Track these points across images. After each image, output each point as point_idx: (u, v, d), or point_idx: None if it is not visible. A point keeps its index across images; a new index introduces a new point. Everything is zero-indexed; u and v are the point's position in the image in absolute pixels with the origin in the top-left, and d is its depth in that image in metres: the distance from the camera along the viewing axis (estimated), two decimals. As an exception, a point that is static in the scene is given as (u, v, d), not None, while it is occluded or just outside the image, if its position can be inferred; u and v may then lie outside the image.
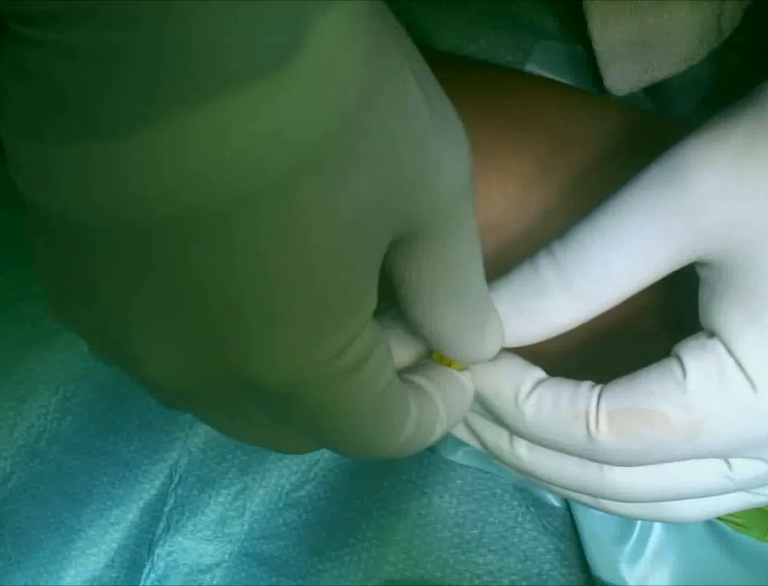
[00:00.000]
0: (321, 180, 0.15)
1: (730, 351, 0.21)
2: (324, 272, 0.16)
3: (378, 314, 0.19)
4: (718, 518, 0.33)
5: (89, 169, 0.14)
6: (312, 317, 0.17)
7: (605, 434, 0.22)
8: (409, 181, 0.17)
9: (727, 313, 0.21)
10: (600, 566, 0.34)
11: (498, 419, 0.25)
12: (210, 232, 0.15)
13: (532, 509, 0.36)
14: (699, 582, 0.33)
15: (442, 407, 0.23)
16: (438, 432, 0.23)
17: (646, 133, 0.30)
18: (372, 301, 0.18)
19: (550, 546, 0.36)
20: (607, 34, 0.28)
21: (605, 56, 0.29)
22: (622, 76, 0.29)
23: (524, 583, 0.36)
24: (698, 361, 0.21)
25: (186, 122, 0.14)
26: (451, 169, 0.19)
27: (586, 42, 0.30)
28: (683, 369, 0.21)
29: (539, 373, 0.24)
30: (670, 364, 0.22)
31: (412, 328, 0.22)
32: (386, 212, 0.17)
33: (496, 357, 0.24)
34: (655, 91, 0.32)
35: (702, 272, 0.22)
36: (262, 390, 0.18)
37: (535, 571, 0.36)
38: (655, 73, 0.29)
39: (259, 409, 0.20)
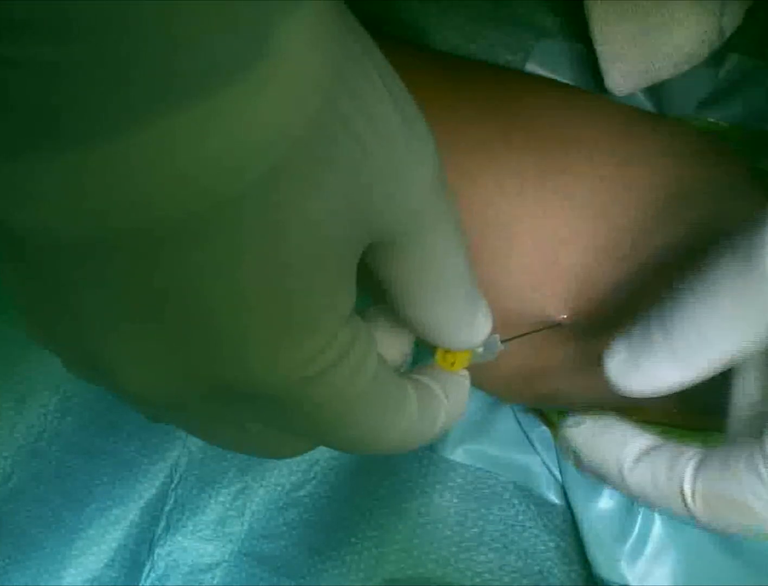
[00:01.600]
0: (292, 183, 0.15)
1: None
2: (298, 274, 0.16)
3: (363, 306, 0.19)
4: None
5: (53, 183, 0.14)
6: (288, 319, 0.17)
7: (701, 512, 0.23)
8: (380, 184, 0.17)
9: None
10: (600, 564, 0.34)
11: (614, 487, 0.25)
12: (183, 239, 0.15)
13: (533, 507, 0.36)
14: (699, 580, 0.33)
15: (444, 399, 0.23)
16: (440, 425, 0.23)
17: (646, 133, 0.30)
18: (349, 300, 0.18)
19: (551, 544, 0.36)
20: (609, 33, 0.28)
21: (606, 56, 0.29)
22: (623, 76, 0.29)
23: (525, 581, 0.36)
24: None
25: (156, 132, 0.14)
26: (420, 172, 0.19)
27: (587, 41, 0.30)
28: (764, 460, 0.21)
29: (644, 441, 0.25)
30: (756, 456, 0.22)
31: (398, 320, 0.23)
32: (359, 214, 0.17)
33: (605, 423, 0.25)
34: (655, 91, 0.32)
35: None
36: (246, 396, 0.18)
37: (536, 569, 0.36)
38: (656, 73, 0.29)
39: (248, 416, 0.20)
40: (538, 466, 0.36)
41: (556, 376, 0.31)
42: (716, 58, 0.30)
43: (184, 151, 0.14)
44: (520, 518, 0.36)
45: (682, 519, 0.24)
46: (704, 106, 0.32)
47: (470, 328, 0.23)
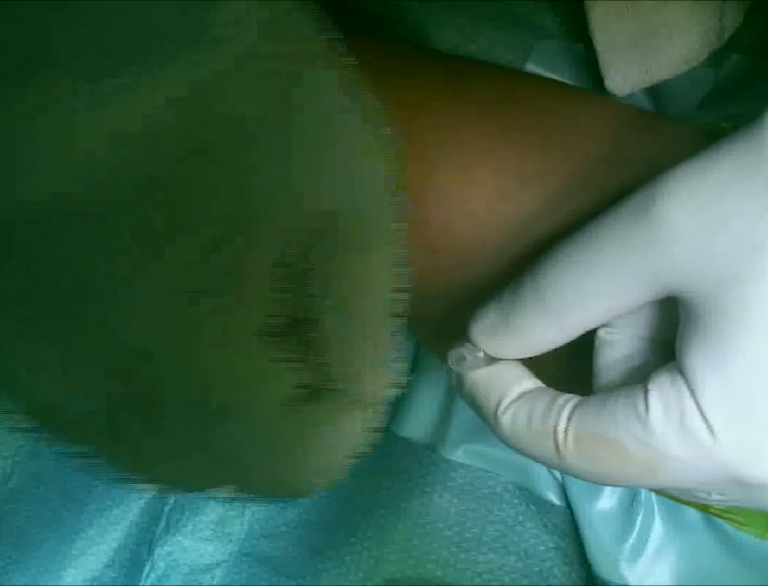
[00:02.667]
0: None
1: (693, 395, 0.21)
2: None
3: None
4: (719, 517, 0.33)
5: None
6: None
7: (572, 454, 0.22)
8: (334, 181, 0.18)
9: (693, 355, 0.21)
10: (600, 564, 0.34)
11: (485, 424, 0.25)
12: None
13: (533, 507, 0.36)
14: (699, 580, 0.34)
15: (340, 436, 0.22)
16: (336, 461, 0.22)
17: (646, 133, 0.30)
18: None
19: (551, 544, 0.36)
20: (609, 33, 0.28)
21: (606, 56, 0.29)
22: (623, 76, 0.29)
23: (525, 581, 0.36)
24: (662, 398, 0.21)
25: None
26: (373, 184, 0.19)
27: (587, 41, 0.30)
28: (646, 403, 0.21)
29: (528, 383, 0.24)
30: (637, 395, 0.22)
31: None
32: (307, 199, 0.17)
33: (495, 364, 0.25)
34: (655, 91, 0.32)
35: (679, 308, 0.22)
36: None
37: (536, 569, 0.36)
38: (656, 73, 0.29)
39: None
40: (538, 466, 0.36)
41: (556, 376, 0.31)
42: (716, 58, 0.30)
43: None
44: (520, 518, 0.36)
45: (547, 465, 0.24)
46: (704, 106, 0.32)
47: (372, 377, 0.22)
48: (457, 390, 0.26)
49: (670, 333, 0.23)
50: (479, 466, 0.37)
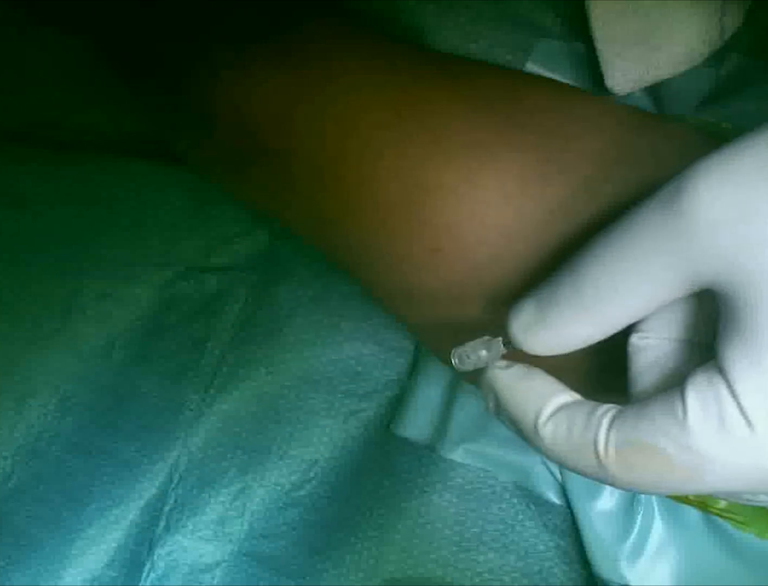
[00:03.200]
0: None
1: (732, 392, 0.20)
2: None
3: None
4: (719, 516, 0.33)
5: None
6: None
7: (614, 464, 0.22)
8: None
9: (731, 351, 0.20)
10: (600, 564, 0.34)
11: (521, 438, 0.25)
12: None
13: (533, 506, 0.36)
14: (699, 580, 0.34)
15: None
16: None
17: (646, 133, 0.30)
18: None
19: (551, 544, 0.36)
20: (610, 31, 0.28)
21: (607, 54, 0.29)
22: (624, 75, 0.29)
23: (525, 581, 0.36)
24: (699, 399, 0.21)
25: None
26: None
27: (587, 41, 0.30)
28: (684, 406, 0.21)
29: (565, 397, 0.24)
30: (674, 398, 0.21)
31: None
32: None
33: (531, 373, 0.25)
34: (655, 91, 0.32)
35: (718, 303, 0.22)
36: None
37: (536, 568, 0.36)
38: (657, 72, 0.29)
39: None
40: (538, 466, 0.36)
41: (556, 376, 0.31)
42: (716, 58, 0.30)
43: None
44: (520, 517, 0.36)
45: (589, 476, 0.23)
46: (704, 106, 0.32)
47: None
48: (494, 412, 0.26)
49: (705, 334, 0.23)
50: (479, 466, 0.37)
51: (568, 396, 0.24)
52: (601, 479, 0.23)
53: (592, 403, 0.23)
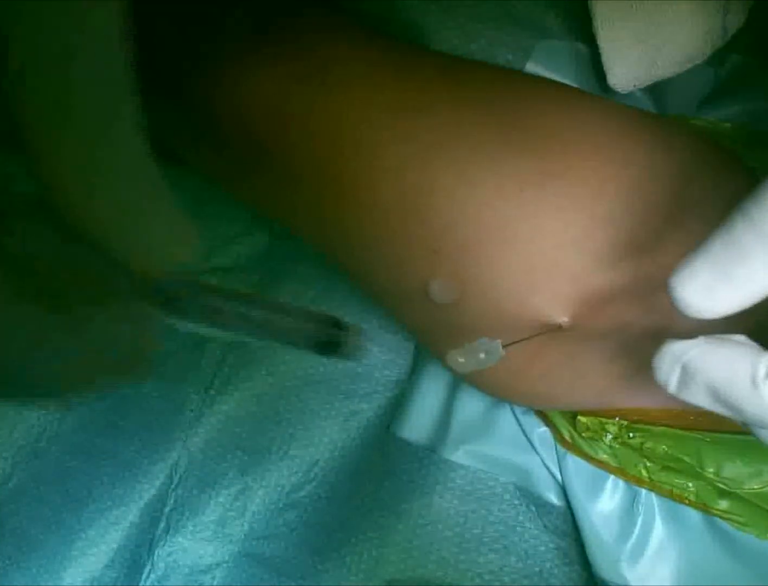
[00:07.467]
0: None
1: None
2: None
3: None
4: (719, 517, 0.33)
5: None
6: None
7: None
8: None
9: None
10: (601, 565, 0.34)
11: (733, 408, 0.24)
12: None
13: (533, 507, 0.36)
14: (700, 580, 0.33)
15: None
16: None
17: (646, 133, 0.30)
18: None
19: (551, 545, 0.36)
20: (613, 30, 0.28)
21: (610, 52, 0.29)
22: (626, 74, 0.29)
23: (525, 581, 0.36)
24: None
25: None
26: None
27: (587, 41, 0.30)
28: None
29: None
30: None
31: None
32: None
33: (722, 343, 0.24)
34: (655, 90, 0.32)
35: None
36: None
37: (536, 569, 0.36)
38: (659, 71, 0.29)
39: None
40: (538, 466, 0.36)
41: (556, 378, 0.31)
42: (717, 58, 0.30)
43: None
44: (521, 518, 0.36)
45: None
46: (704, 106, 0.32)
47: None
48: (677, 388, 0.25)
49: None
50: (479, 467, 0.37)
51: None
52: None
53: None
